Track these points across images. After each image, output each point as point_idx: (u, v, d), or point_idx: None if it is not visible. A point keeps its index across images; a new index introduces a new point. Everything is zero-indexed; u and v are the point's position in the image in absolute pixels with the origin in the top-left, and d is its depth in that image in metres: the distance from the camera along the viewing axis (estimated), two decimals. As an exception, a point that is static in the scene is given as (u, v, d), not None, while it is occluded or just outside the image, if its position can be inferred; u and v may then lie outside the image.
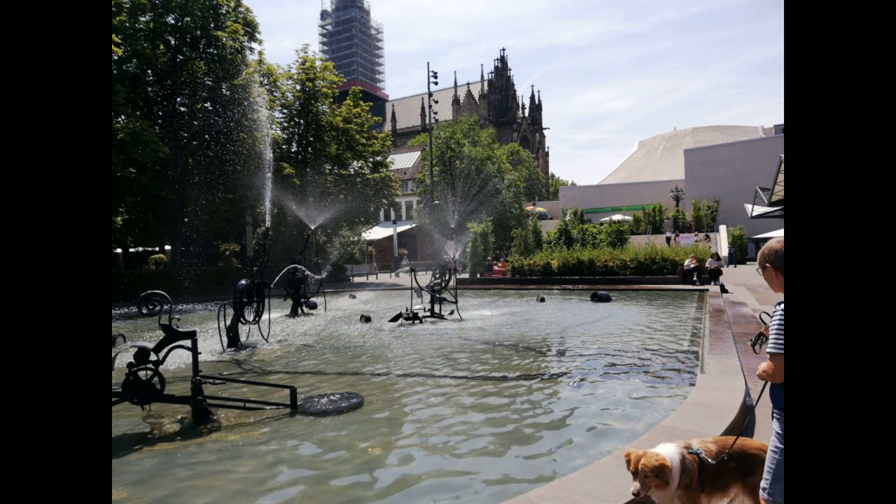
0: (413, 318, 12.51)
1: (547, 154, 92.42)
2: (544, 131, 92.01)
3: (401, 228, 52.04)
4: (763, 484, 2.18)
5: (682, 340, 9.02)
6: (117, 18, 22.18)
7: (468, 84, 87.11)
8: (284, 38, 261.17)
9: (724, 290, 16.19)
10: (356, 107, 32.31)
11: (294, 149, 31.76)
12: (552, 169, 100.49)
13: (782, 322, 2.02)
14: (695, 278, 19.90)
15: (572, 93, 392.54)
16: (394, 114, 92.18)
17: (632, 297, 17.00)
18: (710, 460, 2.56)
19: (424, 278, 14.53)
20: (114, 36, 20.92)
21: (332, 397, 5.79)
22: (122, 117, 21.33)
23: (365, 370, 7.57)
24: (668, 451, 2.57)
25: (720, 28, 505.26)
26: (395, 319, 12.62)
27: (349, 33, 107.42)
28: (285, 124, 31.41)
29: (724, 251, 34.45)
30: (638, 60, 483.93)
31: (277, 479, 3.88)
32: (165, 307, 5.65)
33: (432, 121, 39.40)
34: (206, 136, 25.23)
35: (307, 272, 16.05)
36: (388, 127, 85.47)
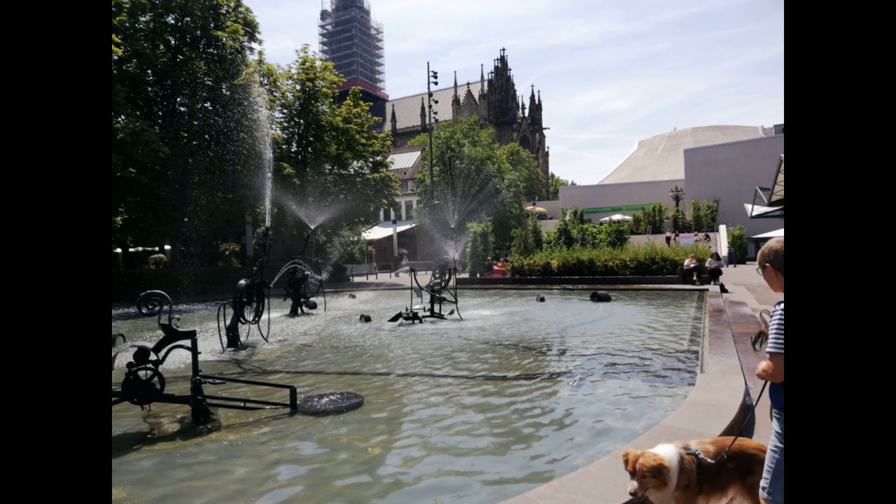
0: (413, 317, 12.50)
1: (547, 154, 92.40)
2: (544, 131, 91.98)
3: (401, 228, 52.04)
4: (763, 483, 2.18)
5: (681, 340, 9.02)
6: (117, 18, 22.16)
7: (468, 84, 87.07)
8: (284, 38, 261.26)
9: (723, 290, 16.19)
10: (356, 107, 32.30)
11: (294, 149, 31.75)
12: (552, 169, 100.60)
13: (782, 322, 2.03)
14: (694, 278, 19.90)
15: (572, 93, 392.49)
16: (394, 114, 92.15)
17: (632, 297, 16.99)
18: (708, 460, 2.56)
19: (424, 278, 14.53)
20: (114, 36, 20.91)
21: (332, 397, 5.79)
22: (122, 117, 21.32)
23: (365, 370, 7.57)
24: (666, 452, 2.57)
25: (720, 28, 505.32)
26: (394, 319, 12.62)
27: (349, 33, 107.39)
28: (285, 124, 31.40)
29: (723, 251, 34.45)
30: (638, 60, 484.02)
31: (277, 479, 3.88)
32: (165, 307, 5.65)
33: (432, 121, 39.38)
34: (206, 136, 25.21)
35: (307, 271, 16.05)
36: (388, 127, 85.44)
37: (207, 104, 26.09)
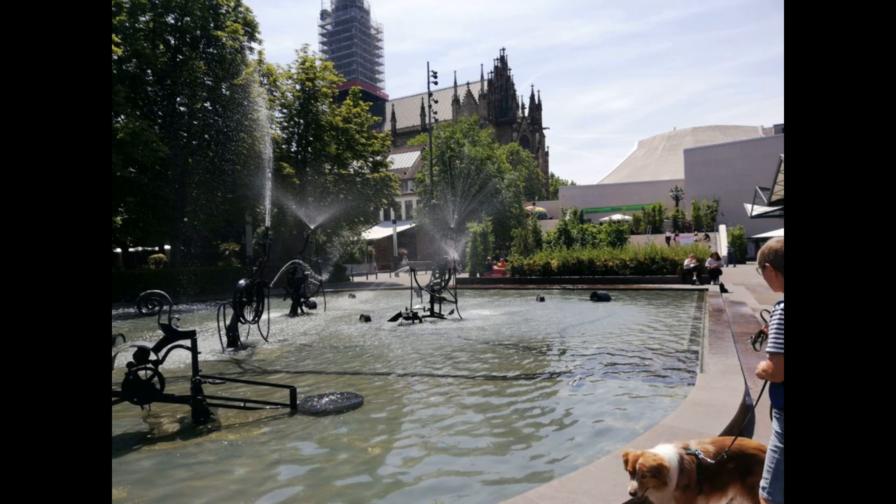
0: (413, 317, 12.51)
1: (547, 154, 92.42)
2: (544, 131, 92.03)
3: (400, 228, 52.02)
4: (763, 483, 2.18)
5: (681, 340, 9.02)
6: (117, 18, 22.16)
7: (468, 84, 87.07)
8: (284, 38, 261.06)
9: (723, 290, 16.19)
10: (356, 106, 32.28)
11: (294, 148, 31.74)
12: (552, 169, 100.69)
13: (782, 321, 2.03)
14: (694, 278, 19.90)
15: (572, 93, 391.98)
16: (394, 114, 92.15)
17: (631, 297, 17.00)
18: (708, 460, 2.56)
19: (424, 278, 14.53)
20: (114, 36, 20.91)
21: (332, 397, 5.79)
22: (122, 117, 21.33)
23: (365, 370, 7.57)
24: (666, 452, 2.57)
25: (720, 28, 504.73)
26: (394, 319, 12.62)
27: (349, 33, 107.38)
28: (285, 124, 31.39)
29: (723, 251, 34.44)
30: (638, 60, 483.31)
31: (277, 479, 3.88)
32: (165, 307, 5.65)
33: (432, 121, 39.40)
34: (206, 136, 25.22)
35: (307, 271, 16.04)
36: (388, 127, 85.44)
37: (207, 104, 26.09)
